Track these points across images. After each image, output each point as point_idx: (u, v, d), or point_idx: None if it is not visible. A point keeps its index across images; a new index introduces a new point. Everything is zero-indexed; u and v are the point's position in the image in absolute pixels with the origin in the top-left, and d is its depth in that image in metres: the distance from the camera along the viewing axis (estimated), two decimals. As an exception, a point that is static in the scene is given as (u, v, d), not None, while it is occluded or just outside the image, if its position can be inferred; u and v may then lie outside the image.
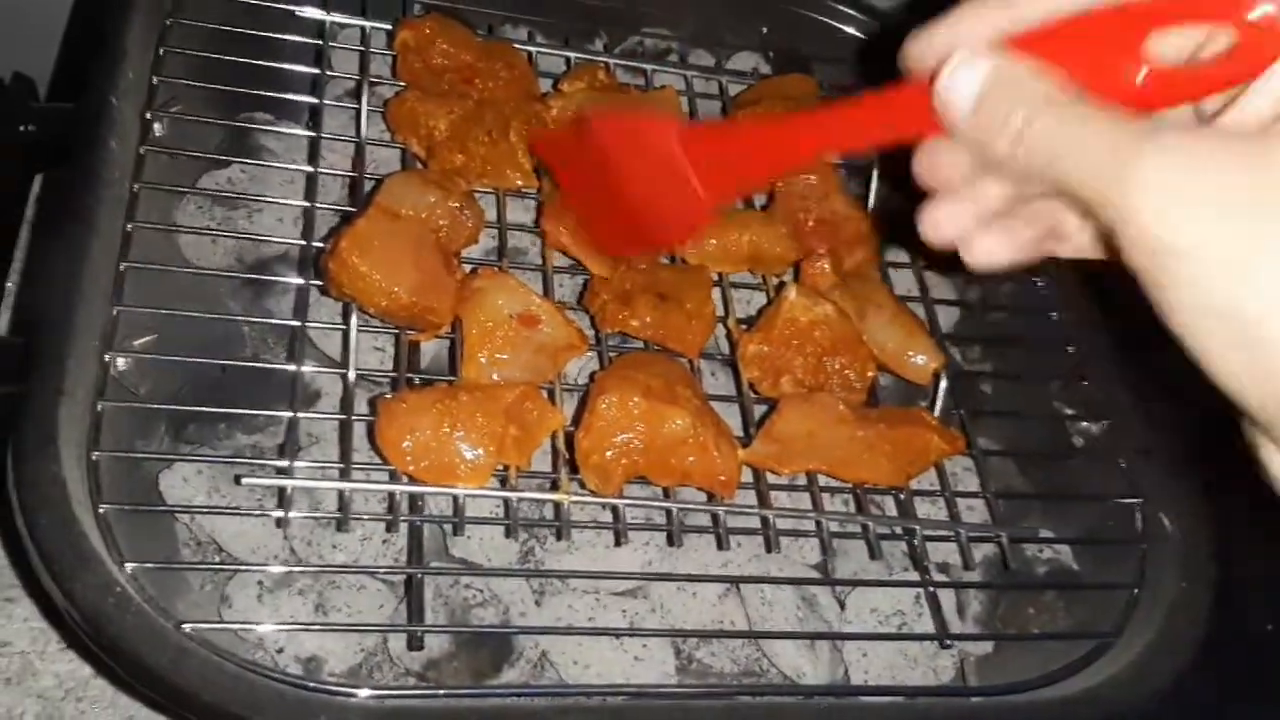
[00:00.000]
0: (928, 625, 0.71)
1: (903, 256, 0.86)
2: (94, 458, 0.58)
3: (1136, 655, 0.69)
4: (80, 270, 0.62)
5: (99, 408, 0.60)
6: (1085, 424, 0.81)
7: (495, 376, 0.67)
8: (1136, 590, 0.73)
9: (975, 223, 0.45)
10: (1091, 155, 0.37)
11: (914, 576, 0.73)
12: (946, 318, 0.87)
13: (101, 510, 0.57)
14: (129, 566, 0.55)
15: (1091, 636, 0.70)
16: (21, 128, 0.71)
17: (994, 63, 0.41)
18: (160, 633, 0.53)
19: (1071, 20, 0.41)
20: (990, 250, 0.45)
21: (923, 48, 0.44)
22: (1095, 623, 0.72)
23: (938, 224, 0.46)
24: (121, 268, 0.65)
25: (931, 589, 0.71)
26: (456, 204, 0.71)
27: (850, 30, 0.97)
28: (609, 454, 0.65)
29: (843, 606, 0.74)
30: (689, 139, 0.58)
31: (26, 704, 0.66)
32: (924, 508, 0.74)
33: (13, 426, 0.56)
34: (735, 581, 0.71)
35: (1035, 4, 0.42)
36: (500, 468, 0.65)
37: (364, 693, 0.56)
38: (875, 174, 0.87)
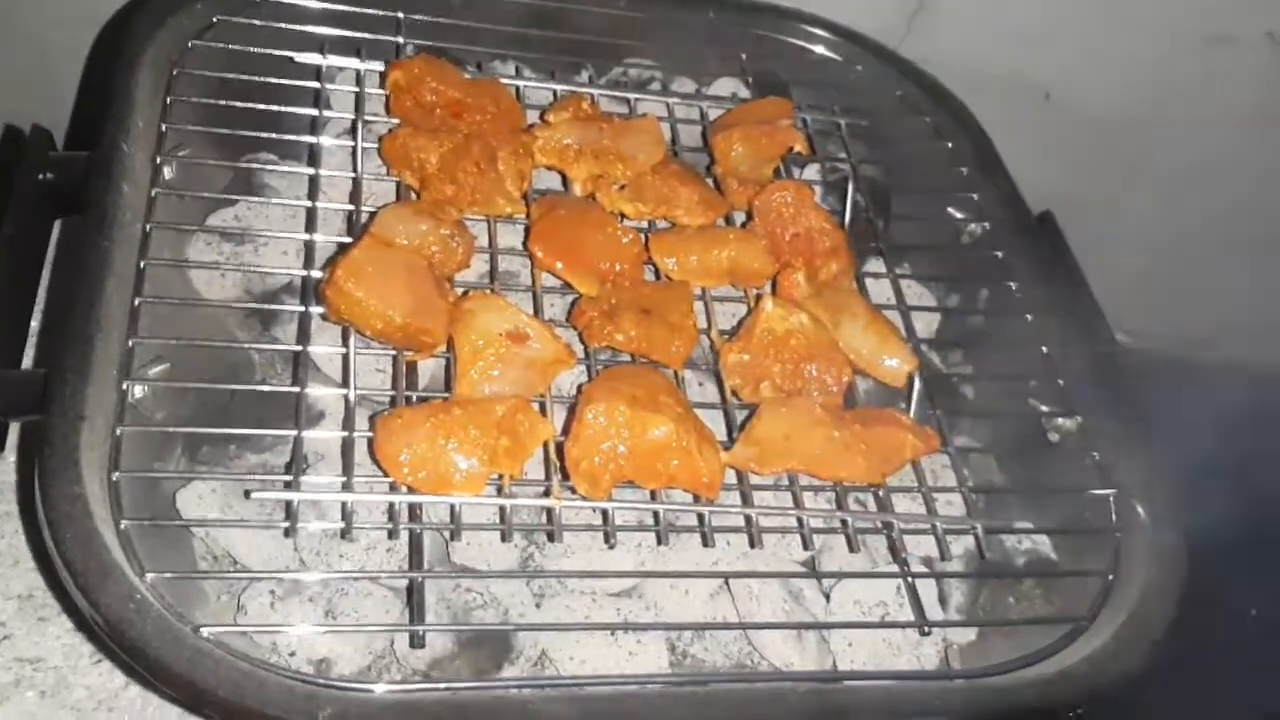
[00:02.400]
0: (909, 614, 0.74)
1: (879, 267, 0.89)
2: (114, 478, 0.63)
3: (1110, 637, 0.72)
4: (98, 306, 0.66)
5: (118, 432, 0.64)
6: (1060, 420, 0.84)
7: (488, 391, 0.71)
8: (1111, 577, 0.76)
9: None
10: None
11: (894, 568, 0.76)
12: (926, 323, 0.90)
13: (123, 526, 0.61)
14: (149, 577, 0.59)
15: (1067, 620, 0.74)
16: (41, 175, 0.76)
17: None
18: (178, 636, 0.57)
19: None
20: None
21: None
22: (1071, 608, 0.75)
23: None
24: (136, 302, 0.69)
25: (911, 580, 0.74)
26: (447, 231, 0.75)
27: (821, 51, 1.01)
28: (597, 460, 0.69)
29: (828, 599, 0.77)
30: None
31: (61, 716, 0.70)
32: (903, 503, 0.78)
33: (39, 451, 0.60)
34: (724, 578, 0.75)
35: None
36: (495, 477, 0.68)
37: (380, 688, 0.59)
38: (850, 189, 0.91)
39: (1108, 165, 1.33)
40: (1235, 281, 1.43)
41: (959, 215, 0.95)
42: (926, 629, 0.73)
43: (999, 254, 0.92)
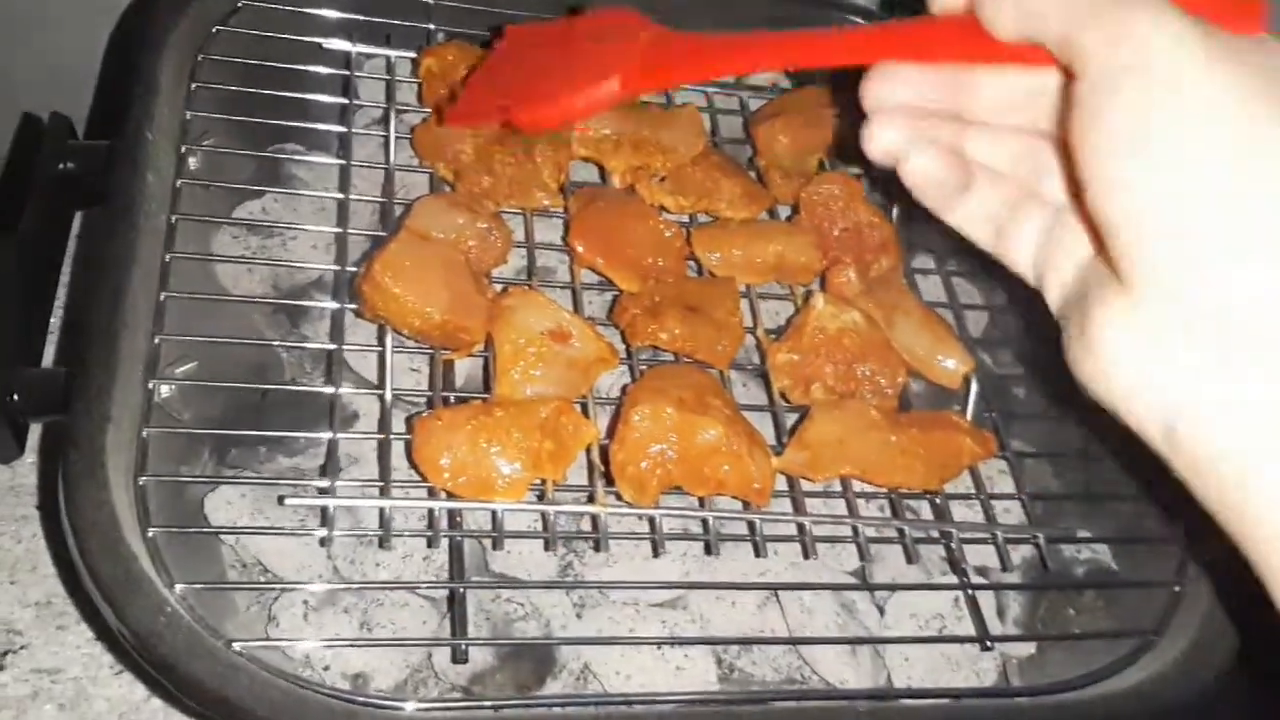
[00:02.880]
0: (968, 628, 0.71)
1: (929, 263, 0.86)
2: (141, 483, 0.60)
3: (1180, 652, 0.69)
4: (122, 301, 0.63)
5: (144, 434, 0.61)
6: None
7: (529, 392, 0.68)
8: (1177, 588, 0.72)
9: (913, 144, 0.49)
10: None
11: (952, 580, 0.73)
12: (975, 322, 0.87)
13: (150, 534, 0.58)
14: (178, 588, 0.56)
15: (1134, 635, 0.70)
16: (61, 165, 0.73)
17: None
18: (211, 651, 0.54)
19: None
20: (923, 168, 0.50)
21: None
22: (1136, 621, 0.72)
23: (877, 137, 0.50)
24: (162, 297, 0.66)
25: (971, 591, 0.71)
26: (485, 225, 0.72)
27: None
28: (643, 465, 0.66)
29: (882, 612, 0.74)
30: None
31: (79, 729, 0.68)
32: (960, 511, 0.75)
33: (62, 454, 0.57)
34: (774, 589, 0.72)
35: None
36: (536, 482, 0.65)
37: (410, 706, 0.56)
38: (899, 182, 0.87)
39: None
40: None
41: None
42: (989, 643, 0.70)
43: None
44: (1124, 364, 0.42)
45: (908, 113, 0.49)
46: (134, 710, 0.69)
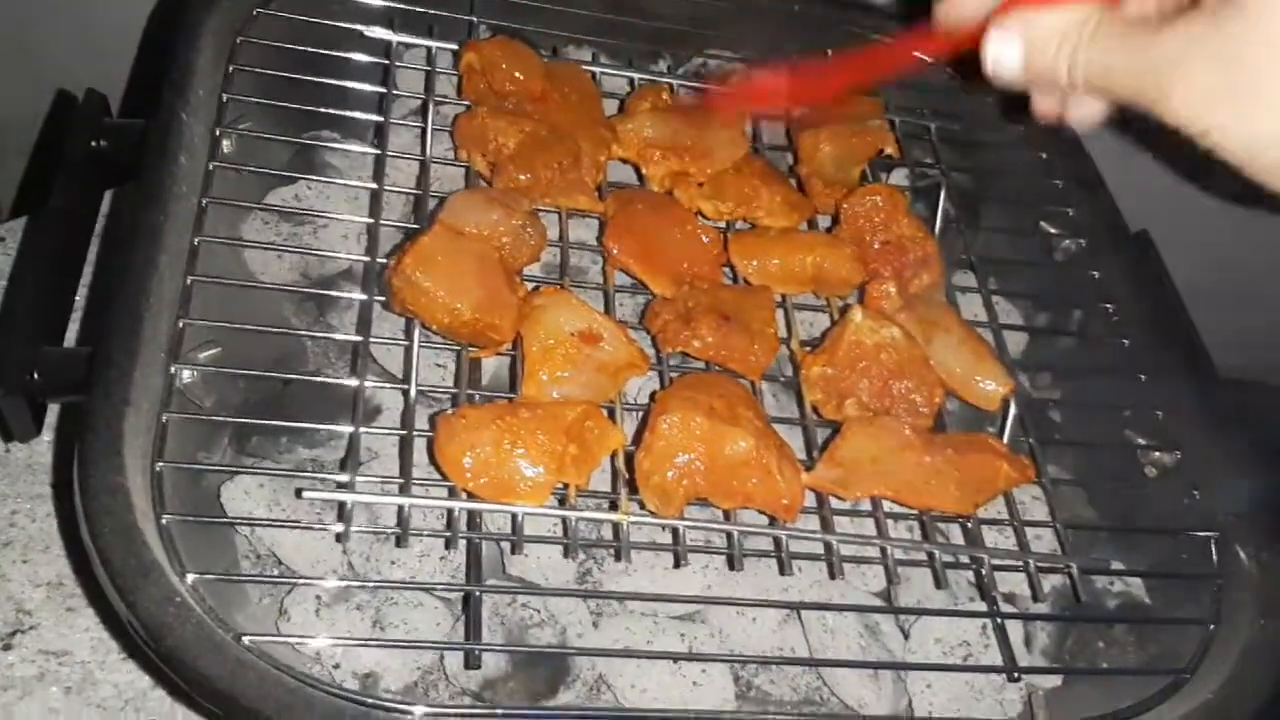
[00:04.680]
0: (994, 657, 0.69)
1: (970, 280, 0.84)
2: (158, 468, 0.59)
3: (1212, 694, 0.66)
4: (147, 283, 0.62)
5: (163, 419, 0.60)
6: (1158, 454, 0.79)
7: (556, 394, 0.66)
8: (1213, 626, 0.70)
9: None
10: (1129, 62, 0.48)
11: (980, 606, 0.71)
12: (1015, 343, 0.85)
13: (164, 521, 0.57)
14: (190, 577, 0.55)
15: (1165, 673, 0.68)
16: (94, 143, 0.72)
17: (1024, 32, 0.51)
18: (220, 644, 0.53)
19: None
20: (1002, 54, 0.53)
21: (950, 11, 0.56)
22: (1168, 659, 0.70)
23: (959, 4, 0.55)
24: (188, 281, 0.65)
25: (999, 620, 0.69)
26: (519, 222, 0.71)
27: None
28: (670, 475, 0.64)
29: (906, 636, 0.72)
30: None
31: (86, 713, 0.67)
32: (991, 536, 0.73)
33: (79, 436, 0.56)
34: (796, 608, 0.70)
35: None
36: (559, 486, 0.64)
37: (419, 709, 0.55)
38: (942, 196, 0.86)
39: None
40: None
41: (1052, 230, 0.90)
42: (1016, 675, 0.68)
43: (1095, 273, 0.86)
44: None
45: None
46: (141, 696, 0.68)
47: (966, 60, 0.54)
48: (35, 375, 0.61)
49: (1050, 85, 0.52)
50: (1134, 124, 0.51)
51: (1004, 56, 0.52)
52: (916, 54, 0.61)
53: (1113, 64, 0.48)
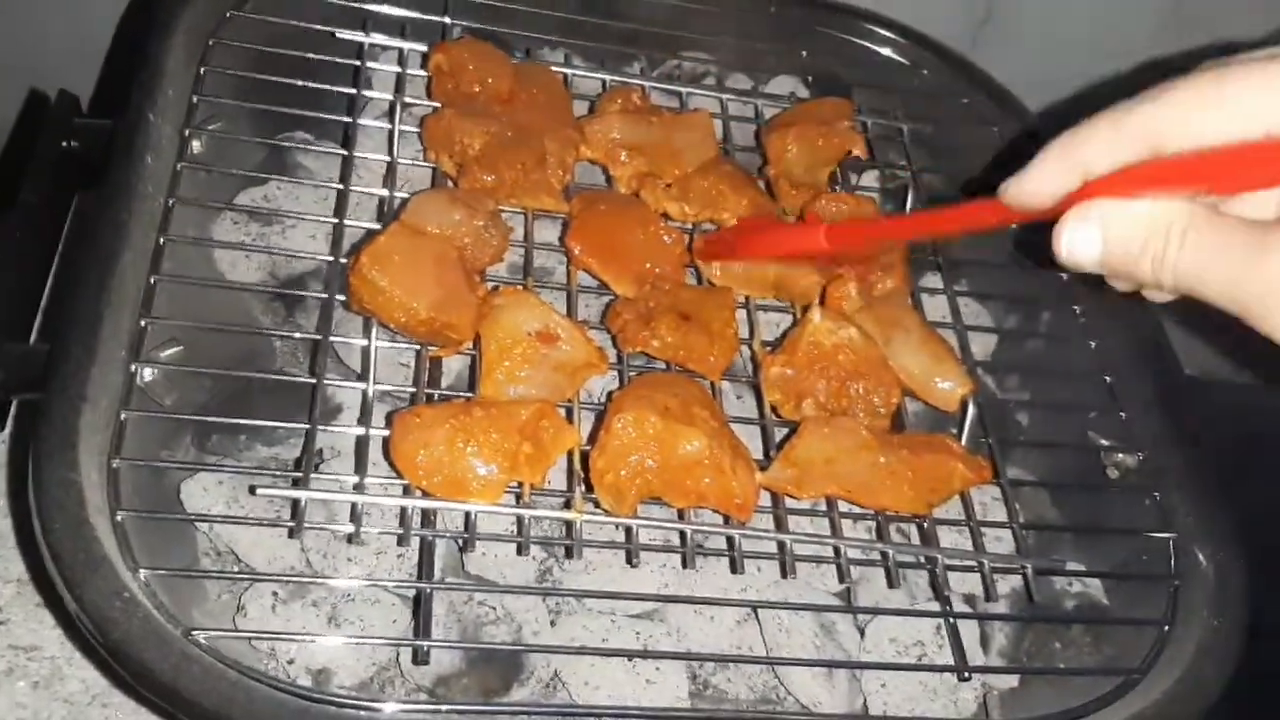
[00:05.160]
0: (949, 657, 0.69)
1: (936, 282, 0.84)
2: (115, 465, 0.59)
3: (1162, 693, 0.67)
4: (109, 280, 0.63)
5: (122, 416, 0.61)
6: (1120, 455, 0.79)
7: (513, 393, 0.67)
8: (1167, 627, 0.71)
9: None
10: (1228, 273, 0.43)
11: (935, 606, 0.72)
12: (981, 345, 0.85)
13: (119, 517, 0.57)
14: (143, 573, 0.56)
15: (1118, 673, 0.69)
16: (65, 143, 0.73)
17: (1105, 225, 0.46)
18: (165, 638, 0.53)
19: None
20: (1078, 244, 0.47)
21: (1019, 194, 0.49)
22: (1123, 659, 0.70)
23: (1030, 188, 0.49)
24: (152, 280, 0.66)
25: (953, 620, 0.69)
26: (481, 222, 0.71)
27: (888, 53, 0.96)
28: (623, 473, 0.65)
29: (862, 635, 0.72)
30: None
31: (53, 708, 0.68)
32: (949, 537, 0.73)
33: (33, 433, 0.57)
34: (753, 606, 0.70)
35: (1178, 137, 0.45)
36: (514, 485, 0.64)
37: (390, 707, 0.56)
38: (910, 198, 0.86)
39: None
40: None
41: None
42: (967, 674, 0.68)
43: (1063, 275, 0.87)
44: None
45: None
46: (106, 692, 0.69)
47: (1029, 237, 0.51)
48: (-4, 372, 0.62)
49: (1131, 280, 0.48)
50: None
51: (1081, 247, 0.47)
52: (972, 225, 0.54)
53: (1208, 273, 0.44)
